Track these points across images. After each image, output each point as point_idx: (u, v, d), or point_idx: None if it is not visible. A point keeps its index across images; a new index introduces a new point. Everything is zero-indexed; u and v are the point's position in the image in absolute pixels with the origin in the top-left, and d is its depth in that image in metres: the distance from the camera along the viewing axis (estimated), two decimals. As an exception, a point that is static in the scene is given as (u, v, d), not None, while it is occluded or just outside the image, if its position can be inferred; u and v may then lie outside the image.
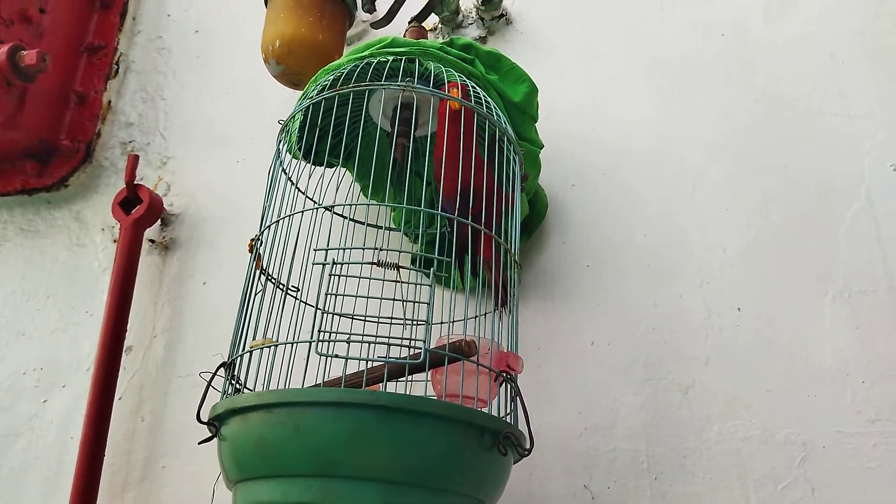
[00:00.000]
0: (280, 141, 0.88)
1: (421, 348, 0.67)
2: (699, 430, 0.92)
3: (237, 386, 0.76)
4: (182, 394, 1.14)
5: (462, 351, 0.69)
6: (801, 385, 0.91)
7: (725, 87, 1.10)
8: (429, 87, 0.88)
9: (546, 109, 1.14)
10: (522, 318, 1.05)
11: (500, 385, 0.75)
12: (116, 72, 1.44)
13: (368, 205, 0.86)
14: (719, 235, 1.01)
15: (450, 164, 0.83)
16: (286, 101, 1.29)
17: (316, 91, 0.86)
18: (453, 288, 1.01)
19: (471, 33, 1.27)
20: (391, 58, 0.89)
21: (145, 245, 1.25)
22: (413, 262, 1.02)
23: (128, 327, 1.18)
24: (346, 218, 0.89)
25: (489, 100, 0.89)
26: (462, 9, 1.27)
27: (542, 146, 1.02)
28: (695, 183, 1.05)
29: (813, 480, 0.87)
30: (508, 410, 0.78)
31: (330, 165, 1.03)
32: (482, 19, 1.26)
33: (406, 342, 0.68)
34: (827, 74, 1.08)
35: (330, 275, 0.68)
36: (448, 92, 0.84)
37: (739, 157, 1.05)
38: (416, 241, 1.08)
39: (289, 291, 0.81)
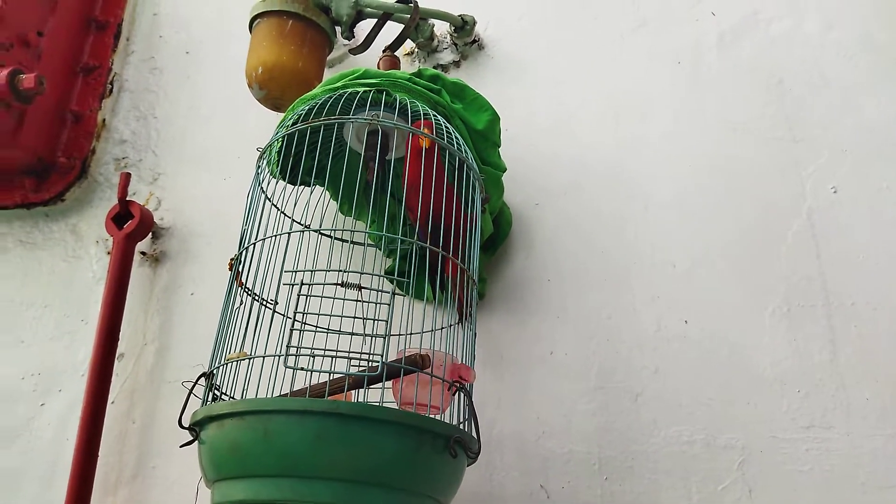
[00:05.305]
0: (259, 167, 0.95)
1: (379, 362, 0.74)
2: (647, 434, 1.00)
3: (217, 394, 0.84)
4: (170, 398, 1.21)
5: (416, 363, 0.76)
6: (741, 393, 0.98)
7: (677, 111, 1.17)
8: (399, 115, 0.95)
9: (514, 131, 1.21)
10: (488, 328, 1.12)
11: (454, 394, 0.83)
12: (111, 91, 1.50)
13: (344, 230, 0.93)
14: (669, 252, 1.08)
15: (418, 194, 0.90)
16: (269, 122, 1.34)
17: (291, 121, 0.93)
18: (426, 300, 1.09)
19: (445, 58, 1.34)
20: (362, 89, 0.96)
21: (137, 257, 1.31)
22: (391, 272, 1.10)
23: (120, 335, 1.24)
24: (325, 234, 0.97)
25: (451, 129, 0.96)
26: (437, 34, 1.33)
27: (504, 169, 1.09)
28: (647, 203, 1.12)
29: (750, 482, 0.94)
30: (465, 418, 0.85)
31: (309, 185, 1.10)
32: (456, 45, 1.33)
33: (366, 356, 0.75)
34: (775, 100, 1.15)
35: (298, 294, 0.76)
36: (416, 127, 0.91)
37: (688, 177, 1.12)
38: (390, 255, 1.16)
39: (268, 305, 0.89)
